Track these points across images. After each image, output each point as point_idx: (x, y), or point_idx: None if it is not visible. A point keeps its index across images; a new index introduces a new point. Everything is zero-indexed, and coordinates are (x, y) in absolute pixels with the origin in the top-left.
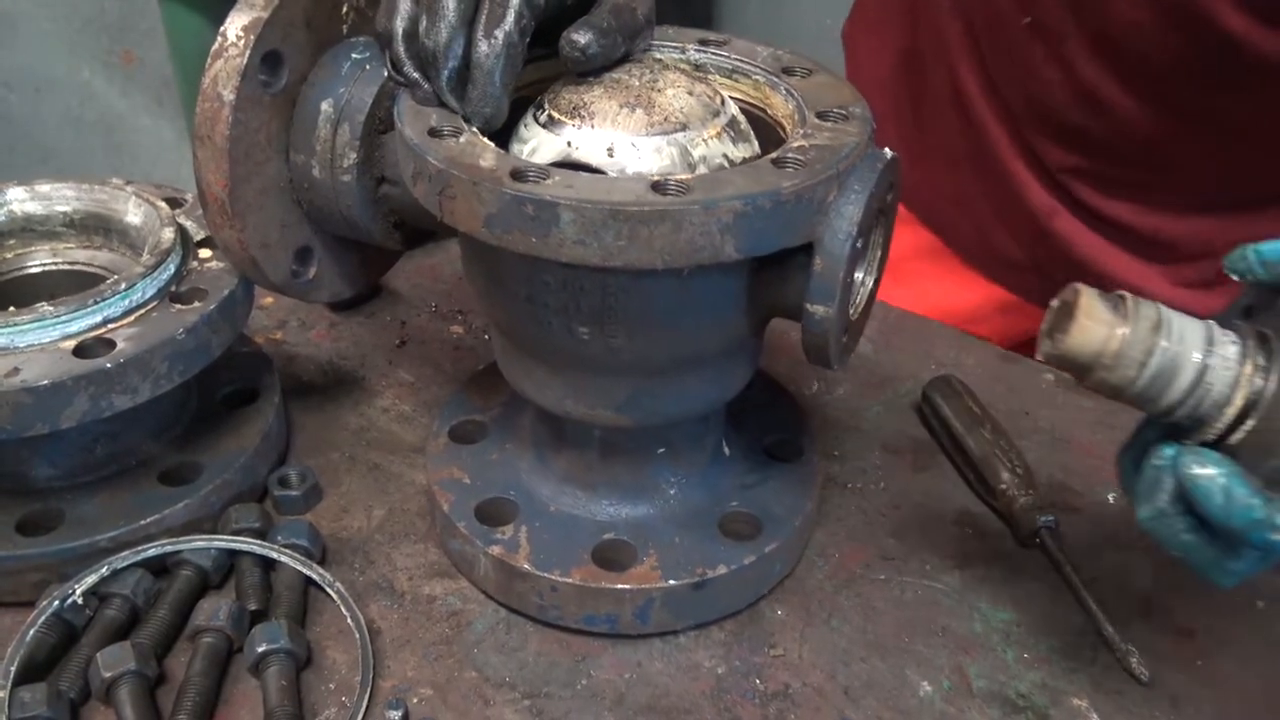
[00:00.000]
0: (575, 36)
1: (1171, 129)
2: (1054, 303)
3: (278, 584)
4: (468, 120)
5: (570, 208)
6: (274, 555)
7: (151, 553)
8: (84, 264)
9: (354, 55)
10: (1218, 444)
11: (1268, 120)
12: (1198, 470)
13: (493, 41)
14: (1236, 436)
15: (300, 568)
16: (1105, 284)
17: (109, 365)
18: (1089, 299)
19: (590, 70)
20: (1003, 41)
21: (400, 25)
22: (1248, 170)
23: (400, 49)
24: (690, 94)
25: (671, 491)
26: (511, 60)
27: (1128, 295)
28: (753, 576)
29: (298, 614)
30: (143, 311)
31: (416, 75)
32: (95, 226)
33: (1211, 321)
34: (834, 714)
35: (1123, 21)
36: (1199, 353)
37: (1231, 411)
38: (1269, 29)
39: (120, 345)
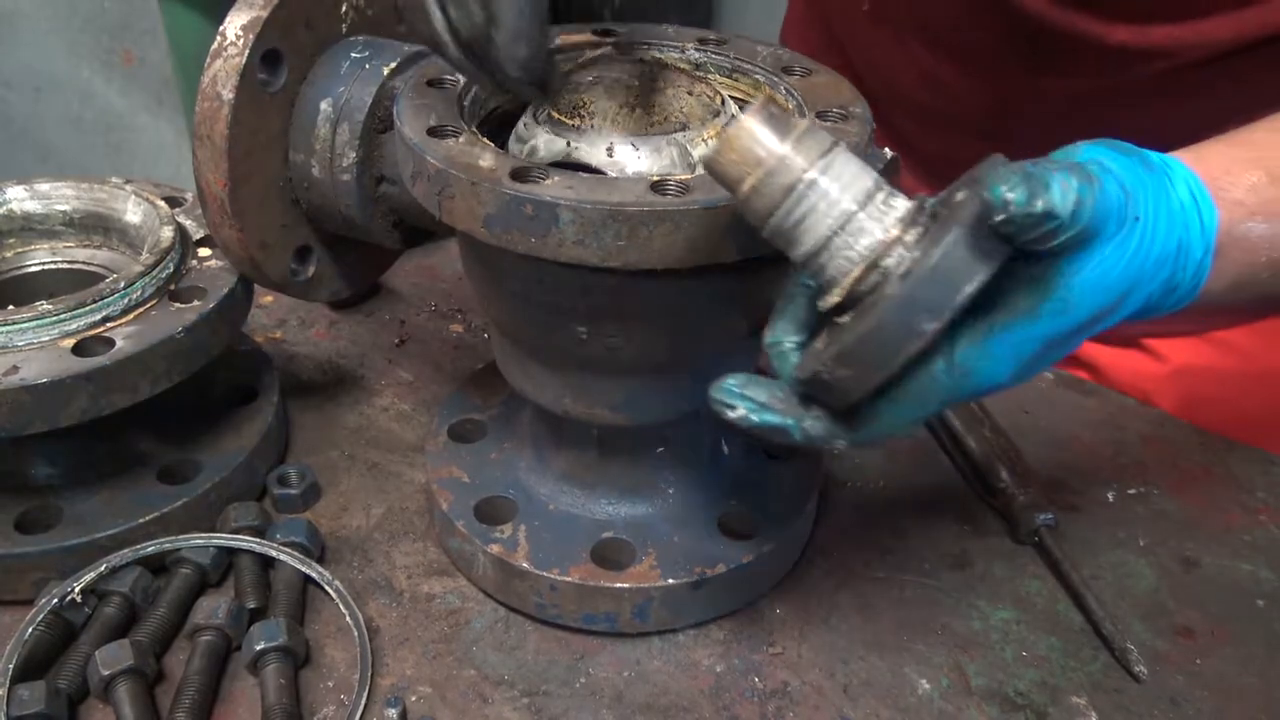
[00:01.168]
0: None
1: (1006, 108)
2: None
3: (276, 582)
4: (502, 76)
5: (570, 208)
6: (273, 553)
7: (150, 551)
8: (83, 263)
9: (353, 54)
10: (843, 309)
11: (1087, 99)
12: (726, 414)
13: None
14: (849, 316)
15: (299, 566)
16: None
17: (108, 364)
18: (758, 111)
19: None
20: (854, 30)
21: None
22: None
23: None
24: (690, 94)
25: (670, 490)
26: None
27: (806, 121)
28: (751, 575)
29: (296, 612)
30: (142, 310)
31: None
32: (94, 225)
33: (881, 184)
34: (833, 712)
35: (940, 9)
36: (852, 203)
37: (848, 282)
38: (1064, 9)
39: (119, 344)
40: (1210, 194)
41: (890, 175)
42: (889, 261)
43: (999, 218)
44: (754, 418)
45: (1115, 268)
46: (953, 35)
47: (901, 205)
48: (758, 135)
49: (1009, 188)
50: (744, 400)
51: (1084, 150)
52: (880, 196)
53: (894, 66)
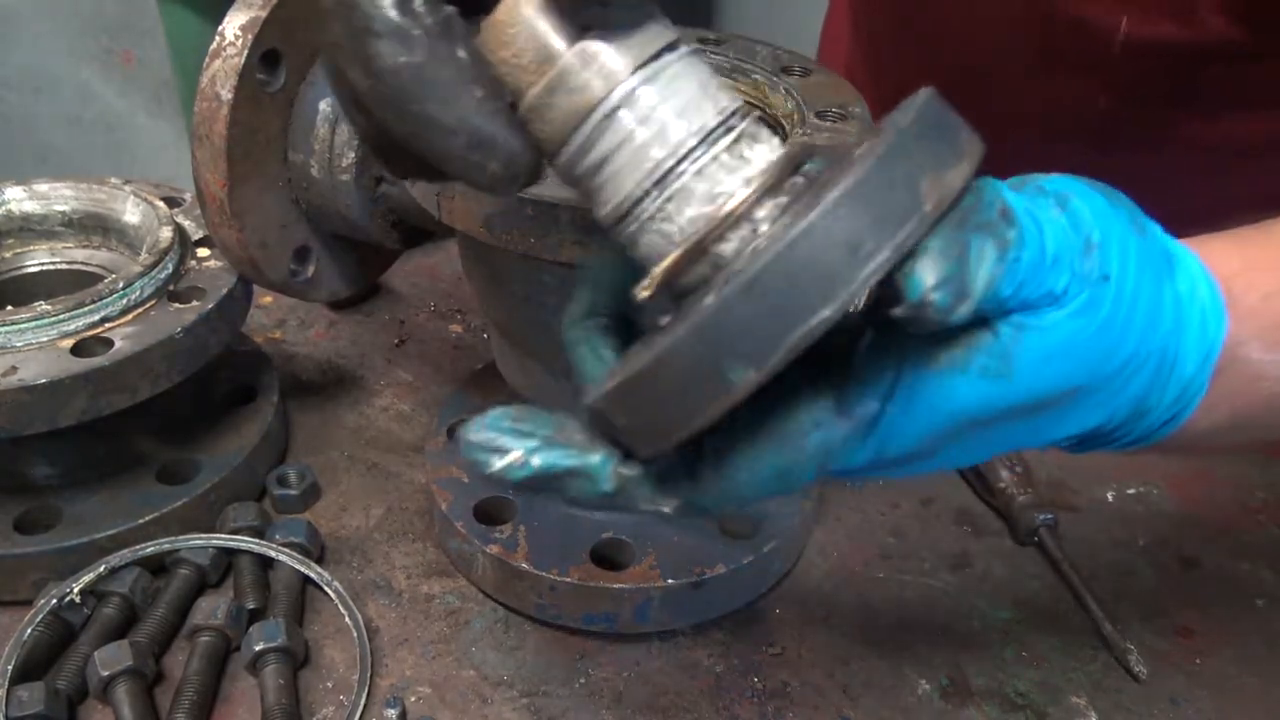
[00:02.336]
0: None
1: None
2: None
3: (276, 582)
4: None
5: (570, 208)
6: (272, 554)
7: (149, 551)
8: (82, 263)
9: None
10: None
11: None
12: (488, 466)
13: None
14: (703, 295)
15: (298, 566)
16: None
17: (107, 364)
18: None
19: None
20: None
21: None
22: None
23: None
24: None
25: None
26: None
27: (652, 8)
28: (751, 575)
29: (296, 612)
30: (141, 310)
31: None
32: (93, 226)
33: (743, 108)
34: (833, 712)
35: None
36: (685, 140)
37: (660, 272)
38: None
39: (118, 344)
40: (1222, 296)
41: None
42: (726, 247)
43: (898, 312)
44: (534, 461)
45: (1071, 338)
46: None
47: (764, 153)
48: (536, 21)
49: (934, 281)
50: (516, 437)
51: (1055, 180)
52: (732, 135)
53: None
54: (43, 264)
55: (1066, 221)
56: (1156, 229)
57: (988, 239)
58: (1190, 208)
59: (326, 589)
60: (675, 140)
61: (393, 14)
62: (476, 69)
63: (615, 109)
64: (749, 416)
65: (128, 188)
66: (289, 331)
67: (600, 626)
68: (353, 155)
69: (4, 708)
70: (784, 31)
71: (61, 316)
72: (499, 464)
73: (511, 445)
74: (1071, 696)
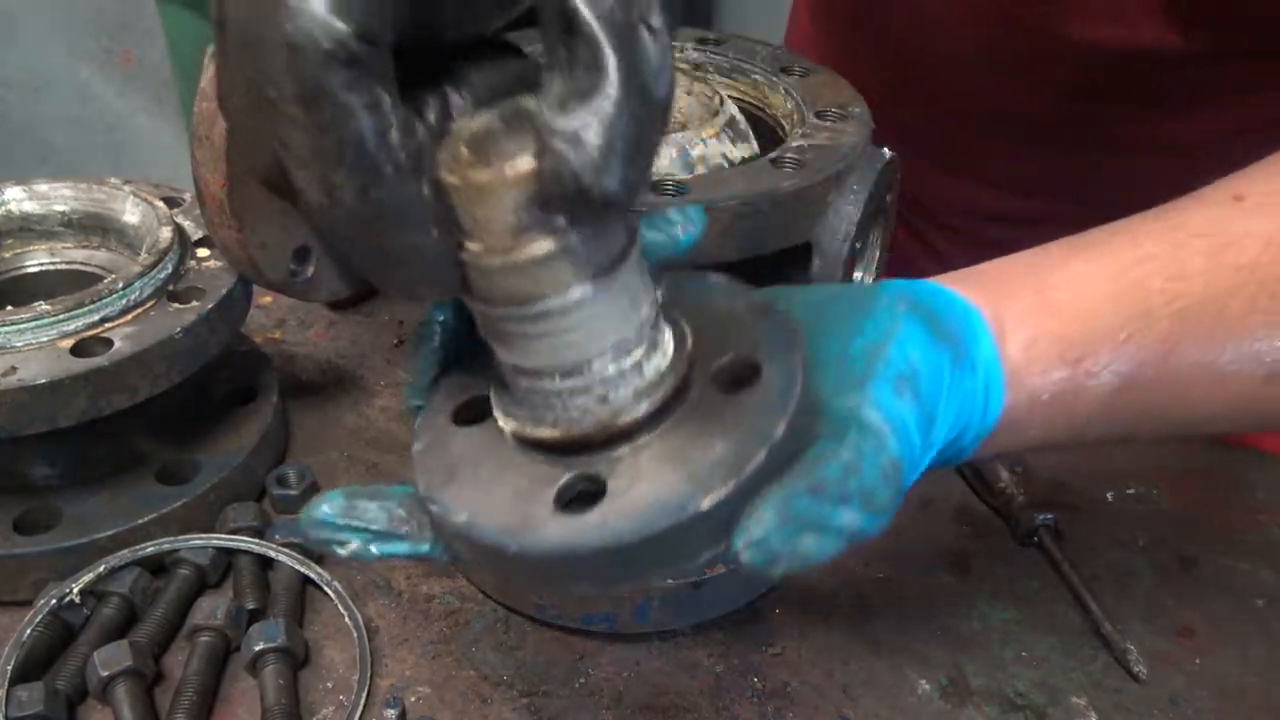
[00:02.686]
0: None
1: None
2: (512, 102)
3: (275, 583)
4: None
5: None
6: (272, 554)
7: (149, 551)
8: (81, 263)
9: None
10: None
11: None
12: (334, 551)
13: None
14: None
15: (298, 566)
16: None
17: (106, 364)
18: (525, 167)
19: None
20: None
21: None
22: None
23: None
24: (689, 93)
25: None
26: None
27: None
28: (752, 575)
29: (295, 612)
30: (140, 311)
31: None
32: (93, 226)
33: (663, 330)
34: (832, 712)
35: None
36: (595, 351)
37: (539, 436)
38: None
39: (118, 344)
40: (1004, 385)
41: (890, 175)
42: (604, 458)
43: (743, 559)
44: (372, 549)
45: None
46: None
47: (658, 364)
48: (519, 203)
49: (750, 547)
50: (351, 531)
51: (895, 349)
52: (641, 349)
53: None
54: (42, 264)
55: (915, 415)
56: (963, 337)
57: (835, 509)
58: (1146, 203)
59: (326, 589)
60: (595, 350)
61: (369, 145)
62: (437, 206)
63: (557, 309)
64: None
65: (127, 188)
66: (289, 331)
67: (600, 626)
68: None
69: (4, 708)
70: (784, 32)
71: (61, 316)
72: (343, 552)
73: (348, 539)
74: (1071, 696)
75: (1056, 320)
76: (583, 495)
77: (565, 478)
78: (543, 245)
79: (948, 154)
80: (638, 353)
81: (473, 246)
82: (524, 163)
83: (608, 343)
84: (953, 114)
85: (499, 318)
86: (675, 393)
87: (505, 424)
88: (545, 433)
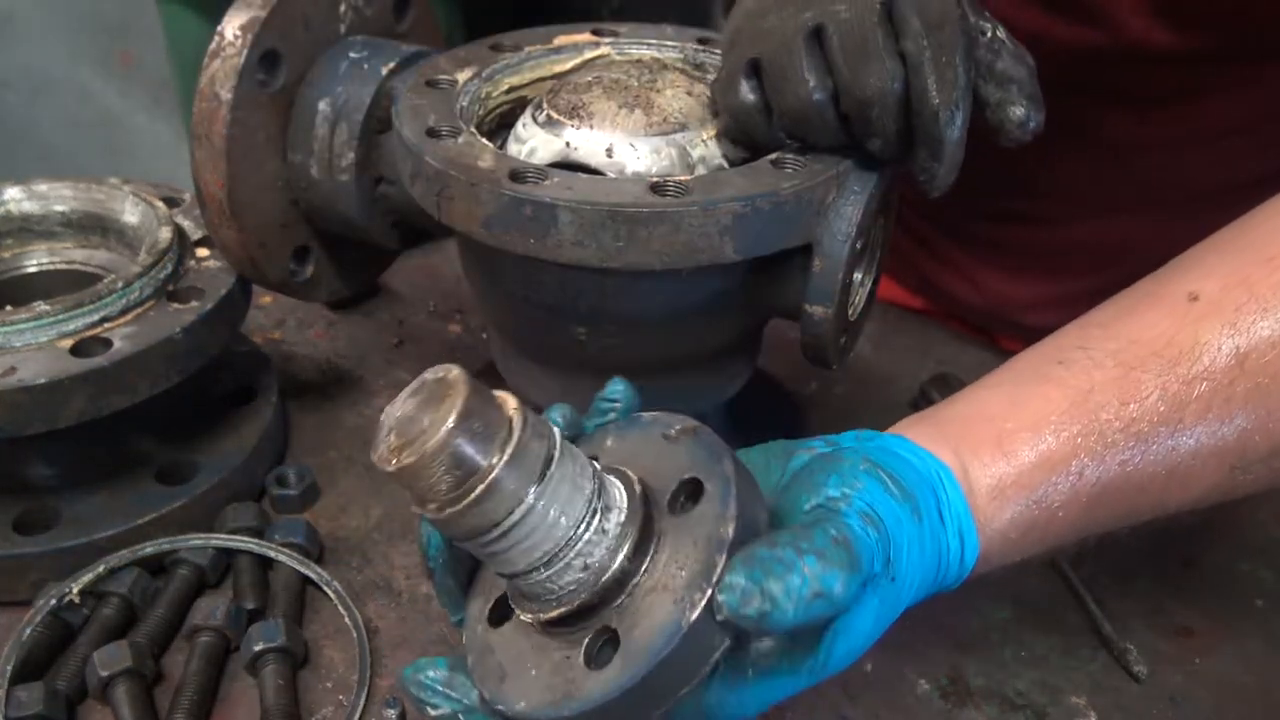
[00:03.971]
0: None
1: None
2: (423, 378)
3: (275, 583)
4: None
5: (569, 209)
6: (271, 554)
7: (149, 551)
8: (81, 263)
9: (351, 54)
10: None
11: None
12: (428, 713)
13: (954, 109)
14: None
15: (298, 566)
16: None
17: (106, 364)
18: (457, 425)
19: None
20: None
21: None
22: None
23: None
24: (689, 94)
25: None
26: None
27: (516, 411)
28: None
29: (295, 613)
30: (140, 311)
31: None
32: (92, 226)
33: (597, 488)
34: (832, 712)
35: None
36: (559, 537)
37: (543, 619)
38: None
39: (117, 344)
40: (977, 532)
41: (890, 176)
42: (620, 600)
43: (720, 617)
44: None
45: (872, 627)
46: None
47: (616, 519)
48: (458, 456)
49: (733, 594)
50: (447, 700)
51: (856, 497)
52: (596, 517)
53: None
54: (42, 264)
55: (875, 539)
56: (923, 494)
57: (812, 562)
58: (1135, 199)
59: (326, 589)
60: (559, 535)
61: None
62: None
63: (514, 524)
64: None
65: (127, 188)
66: (288, 332)
67: None
68: (352, 155)
69: (3, 708)
70: None
71: (60, 317)
72: (435, 715)
73: (443, 706)
74: (1071, 696)
75: (1017, 468)
76: (606, 644)
77: (585, 640)
78: (479, 486)
79: None
80: (595, 520)
81: (429, 510)
82: (441, 433)
83: (568, 526)
84: None
85: (476, 546)
86: (642, 532)
87: (525, 616)
88: (555, 613)
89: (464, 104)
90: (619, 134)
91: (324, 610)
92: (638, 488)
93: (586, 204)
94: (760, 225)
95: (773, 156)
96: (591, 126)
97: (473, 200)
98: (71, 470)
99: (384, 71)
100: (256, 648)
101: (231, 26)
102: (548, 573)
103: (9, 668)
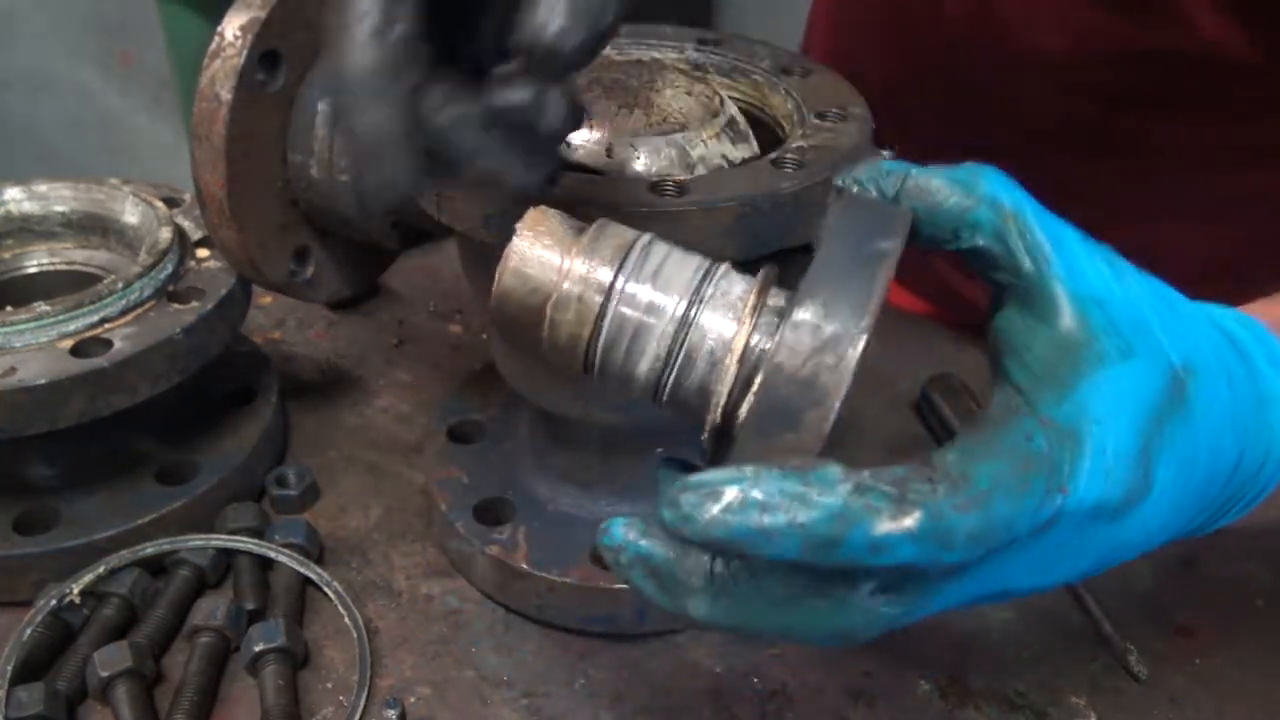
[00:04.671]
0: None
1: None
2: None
3: (275, 583)
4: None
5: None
6: (271, 554)
7: (149, 552)
8: (81, 264)
9: None
10: (727, 428)
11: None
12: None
13: None
14: (742, 415)
15: (298, 567)
16: None
17: (106, 365)
18: (537, 219)
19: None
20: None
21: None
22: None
23: None
24: (689, 94)
25: None
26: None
27: (604, 221)
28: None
29: (295, 613)
30: (140, 311)
31: None
32: (92, 226)
33: (714, 264)
34: (832, 712)
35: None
36: (680, 298)
37: (723, 388)
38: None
39: (117, 345)
40: None
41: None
42: (762, 344)
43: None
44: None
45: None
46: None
47: (739, 288)
48: (536, 258)
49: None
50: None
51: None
52: (714, 281)
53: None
54: (42, 265)
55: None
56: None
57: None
58: (1175, 208)
59: (326, 589)
60: (680, 295)
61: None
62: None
63: (623, 295)
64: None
65: (127, 188)
66: (288, 332)
67: (600, 627)
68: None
69: (4, 708)
70: (784, 31)
71: (61, 317)
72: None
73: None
74: (1071, 696)
75: None
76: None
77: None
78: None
79: (969, 156)
80: (722, 291)
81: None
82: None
83: (676, 295)
84: (975, 117)
85: (606, 360)
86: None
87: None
88: (718, 396)
89: None
90: (618, 134)
91: (324, 611)
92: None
93: (586, 204)
94: (760, 225)
95: (773, 156)
96: (591, 127)
97: (472, 200)
98: (72, 470)
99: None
100: (257, 648)
101: (231, 26)
102: (675, 370)
103: (9, 668)
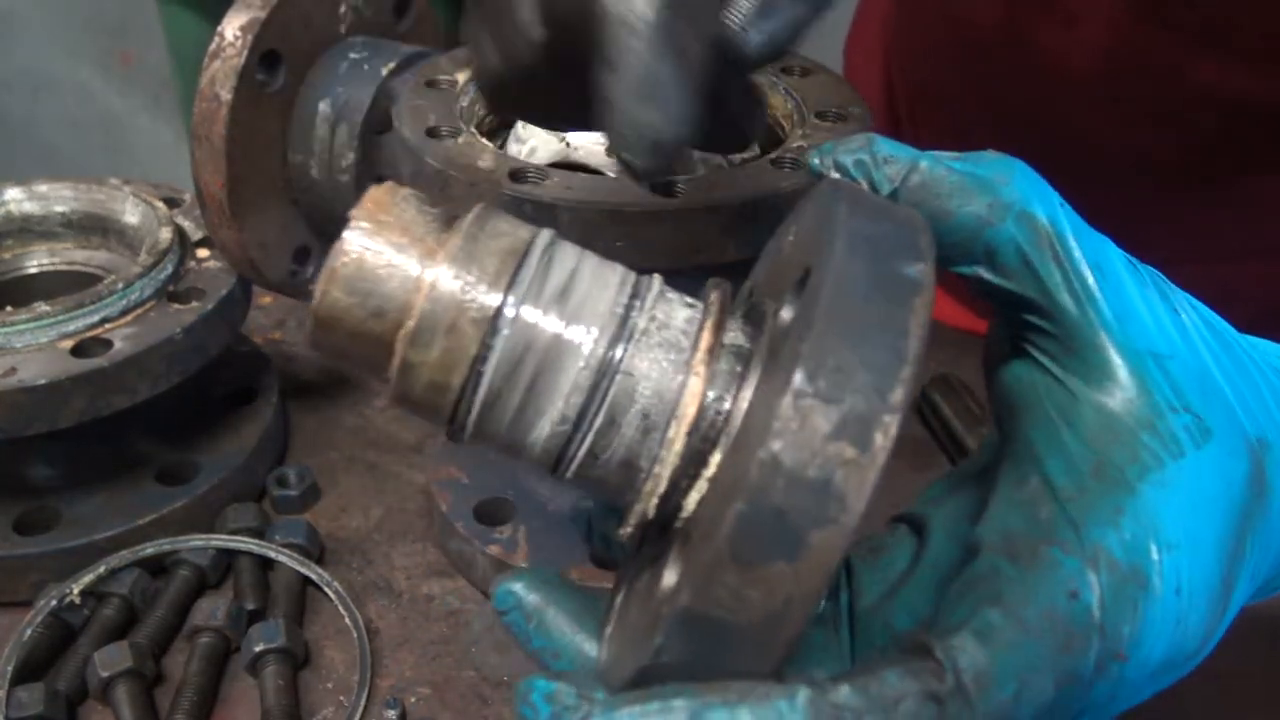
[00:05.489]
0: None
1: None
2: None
3: (275, 583)
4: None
5: (569, 209)
6: (272, 555)
7: (149, 552)
8: (81, 264)
9: (352, 55)
10: (664, 523)
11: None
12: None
13: None
14: (688, 507)
15: (298, 567)
16: None
17: (106, 365)
18: (382, 202)
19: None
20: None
21: None
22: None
23: None
24: None
25: None
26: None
27: (484, 209)
28: None
29: (295, 613)
30: (140, 311)
31: None
32: (93, 226)
33: (640, 278)
34: None
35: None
36: (599, 331)
37: (663, 469)
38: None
39: (118, 345)
40: None
41: None
42: (720, 402)
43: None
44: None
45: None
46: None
47: (681, 316)
48: (381, 264)
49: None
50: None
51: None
52: (645, 307)
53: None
54: (42, 265)
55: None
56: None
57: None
58: (1230, 250)
59: (326, 590)
60: (598, 326)
61: None
62: None
63: (516, 323)
64: None
65: (127, 188)
66: (289, 332)
67: None
68: (352, 155)
69: (4, 709)
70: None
71: (61, 317)
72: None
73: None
74: None
75: None
76: None
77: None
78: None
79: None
80: (643, 314)
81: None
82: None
83: (592, 325)
84: (1055, 153)
85: (487, 426)
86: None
87: (624, 532)
88: (641, 503)
89: (464, 104)
90: None
91: (324, 611)
92: (715, 294)
93: (587, 204)
94: (759, 225)
95: (773, 155)
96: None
97: (473, 200)
98: (72, 471)
99: (384, 72)
100: (257, 648)
101: (231, 27)
102: (589, 434)
103: (9, 668)
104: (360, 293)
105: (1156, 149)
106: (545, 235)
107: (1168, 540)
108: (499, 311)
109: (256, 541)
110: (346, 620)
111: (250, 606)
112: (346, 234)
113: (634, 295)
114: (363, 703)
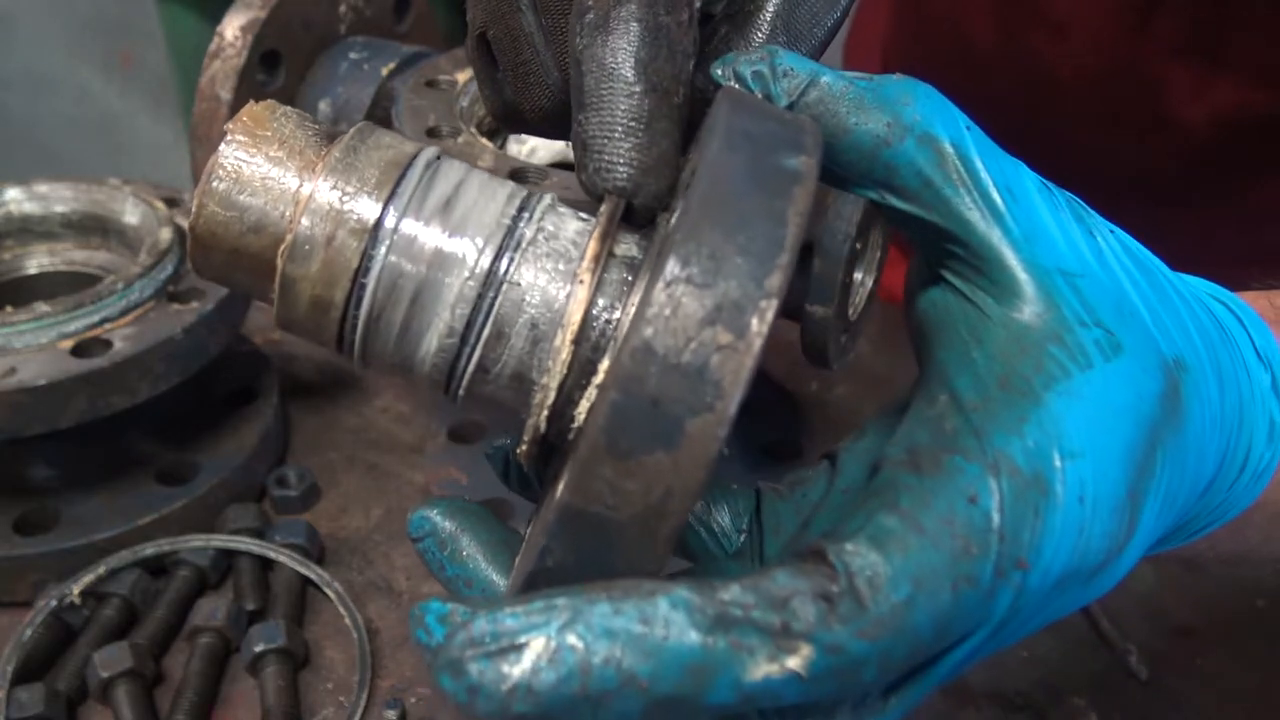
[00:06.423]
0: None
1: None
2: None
3: (275, 584)
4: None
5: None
6: (272, 555)
7: (149, 552)
8: (81, 264)
9: (351, 55)
10: (557, 436)
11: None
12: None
13: None
14: (579, 418)
15: (298, 567)
16: None
17: (106, 365)
18: (259, 117)
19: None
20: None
21: None
22: None
23: None
24: None
25: None
26: None
27: (366, 124)
28: None
29: (295, 613)
30: (140, 311)
31: None
32: (93, 227)
33: (533, 194)
34: None
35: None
36: (484, 243)
37: (551, 380)
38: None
39: (117, 345)
40: None
41: None
42: (607, 313)
43: None
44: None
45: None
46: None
47: (571, 228)
48: (258, 177)
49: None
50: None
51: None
52: (534, 218)
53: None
54: (42, 265)
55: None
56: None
57: None
58: (1232, 258)
59: (326, 590)
60: (483, 237)
61: None
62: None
63: (392, 237)
64: None
65: (127, 188)
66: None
67: None
68: None
69: (4, 709)
70: None
71: (61, 318)
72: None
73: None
74: (1073, 697)
75: None
76: None
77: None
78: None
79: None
80: (531, 226)
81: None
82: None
83: (478, 236)
84: (1058, 167)
85: (368, 330)
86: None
87: (522, 451)
88: (533, 418)
89: (464, 104)
90: None
91: (324, 611)
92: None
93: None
94: None
95: None
96: None
97: None
98: (72, 471)
99: (384, 72)
100: (257, 649)
101: (231, 27)
102: (478, 345)
103: (10, 668)
104: (238, 207)
105: (1153, 159)
106: (430, 150)
107: (1071, 449)
108: (379, 222)
109: (256, 542)
110: (346, 620)
111: (250, 607)
112: (222, 148)
113: (522, 208)
114: (363, 703)
